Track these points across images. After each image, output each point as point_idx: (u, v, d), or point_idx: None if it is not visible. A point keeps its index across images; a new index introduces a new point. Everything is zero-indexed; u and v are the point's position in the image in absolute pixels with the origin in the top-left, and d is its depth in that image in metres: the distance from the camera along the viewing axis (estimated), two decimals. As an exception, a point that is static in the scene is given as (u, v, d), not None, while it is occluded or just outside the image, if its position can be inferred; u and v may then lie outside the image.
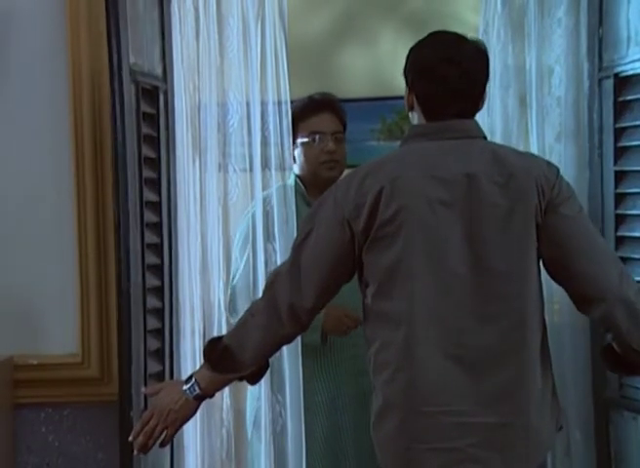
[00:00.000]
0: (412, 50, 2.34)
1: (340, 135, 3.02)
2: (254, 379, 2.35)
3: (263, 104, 2.83)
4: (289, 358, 2.82)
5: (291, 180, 2.97)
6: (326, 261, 2.24)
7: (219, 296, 2.87)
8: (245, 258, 2.88)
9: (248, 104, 2.83)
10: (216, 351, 2.28)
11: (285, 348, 2.79)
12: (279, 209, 2.85)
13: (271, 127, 2.84)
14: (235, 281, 2.90)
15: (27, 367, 2.74)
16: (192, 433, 2.86)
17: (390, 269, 2.20)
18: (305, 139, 2.95)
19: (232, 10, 2.80)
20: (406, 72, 2.35)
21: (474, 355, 2.18)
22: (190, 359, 2.84)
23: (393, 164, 2.26)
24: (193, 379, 2.30)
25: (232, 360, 2.26)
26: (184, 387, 2.30)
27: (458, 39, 2.31)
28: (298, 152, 2.98)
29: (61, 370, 2.74)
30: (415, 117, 2.35)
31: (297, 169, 3.00)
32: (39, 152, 2.75)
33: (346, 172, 2.38)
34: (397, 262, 2.19)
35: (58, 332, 2.77)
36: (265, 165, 2.85)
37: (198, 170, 2.85)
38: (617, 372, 2.37)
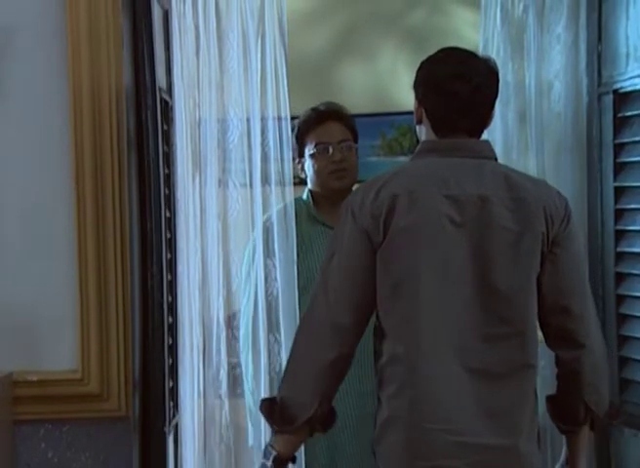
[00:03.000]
0: (423, 64, 2.35)
1: (349, 143, 2.95)
2: (324, 427, 2.30)
3: (263, 120, 2.84)
4: None
5: (304, 195, 2.97)
6: (354, 276, 2.22)
7: (218, 312, 2.87)
8: (248, 280, 2.89)
9: (248, 120, 2.84)
10: (274, 409, 2.23)
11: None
12: (279, 224, 2.85)
13: (271, 143, 2.84)
14: (243, 305, 2.90)
15: (27, 383, 2.73)
16: (191, 449, 2.85)
17: (397, 285, 2.20)
18: (312, 151, 2.92)
19: (232, 26, 2.81)
20: (416, 86, 2.35)
21: (477, 375, 2.19)
22: (189, 375, 2.84)
23: (408, 177, 2.26)
24: (266, 446, 2.28)
25: (292, 407, 2.21)
26: (262, 460, 2.26)
27: (469, 56, 2.33)
28: (307, 165, 2.95)
29: (61, 387, 2.73)
30: (422, 131, 2.36)
31: (309, 183, 2.98)
32: (39, 168, 2.75)
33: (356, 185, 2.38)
34: (404, 278, 2.19)
35: (57, 349, 2.76)
36: (265, 180, 2.85)
37: (198, 185, 2.85)
38: (557, 424, 2.38)
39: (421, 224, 2.19)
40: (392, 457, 2.22)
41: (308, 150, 2.94)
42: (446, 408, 2.18)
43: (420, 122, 2.35)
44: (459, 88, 2.26)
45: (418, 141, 2.38)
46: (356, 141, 3.00)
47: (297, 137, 2.97)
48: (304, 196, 2.97)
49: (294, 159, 2.95)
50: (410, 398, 2.18)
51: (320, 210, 2.95)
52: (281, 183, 2.89)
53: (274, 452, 2.24)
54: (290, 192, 2.94)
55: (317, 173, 2.93)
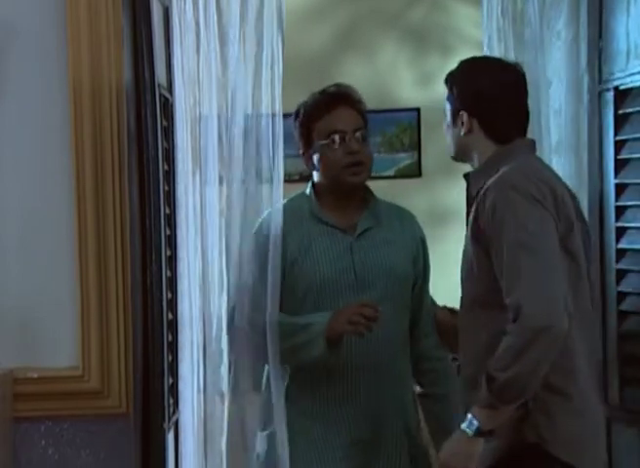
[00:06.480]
0: (467, 76, 2.47)
1: (363, 131, 2.65)
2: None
3: (264, 117, 2.82)
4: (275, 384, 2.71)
5: (307, 191, 2.74)
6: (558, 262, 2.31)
7: (218, 310, 2.86)
8: (255, 273, 2.69)
9: (248, 117, 2.83)
10: (492, 385, 2.24)
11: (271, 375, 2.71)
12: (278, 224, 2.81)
13: (271, 139, 2.82)
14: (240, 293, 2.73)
15: (27, 380, 2.74)
16: (191, 445, 2.85)
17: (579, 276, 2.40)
18: (324, 141, 2.64)
19: (233, 22, 2.80)
20: (461, 98, 2.45)
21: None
22: (189, 371, 2.84)
23: (545, 175, 2.41)
24: (471, 416, 2.29)
25: (516, 388, 2.23)
26: (463, 426, 2.28)
27: (508, 64, 2.52)
28: (316, 158, 2.67)
29: (62, 384, 2.74)
30: (473, 139, 2.44)
31: (315, 176, 2.72)
32: (39, 165, 2.76)
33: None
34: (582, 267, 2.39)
35: (58, 346, 2.77)
36: (265, 177, 2.84)
37: (198, 182, 2.85)
38: None
39: (572, 220, 2.37)
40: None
41: (318, 140, 2.66)
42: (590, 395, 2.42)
43: (469, 132, 2.43)
44: (509, 96, 2.44)
45: (461, 152, 2.49)
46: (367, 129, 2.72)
47: (301, 125, 2.71)
48: (307, 191, 2.75)
49: (303, 153, 2.74)
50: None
51: (324, 207, 2.70)
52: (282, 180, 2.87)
53: (477, 424, 2.26)
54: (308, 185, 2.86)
55: (330, 166, 2.63)
